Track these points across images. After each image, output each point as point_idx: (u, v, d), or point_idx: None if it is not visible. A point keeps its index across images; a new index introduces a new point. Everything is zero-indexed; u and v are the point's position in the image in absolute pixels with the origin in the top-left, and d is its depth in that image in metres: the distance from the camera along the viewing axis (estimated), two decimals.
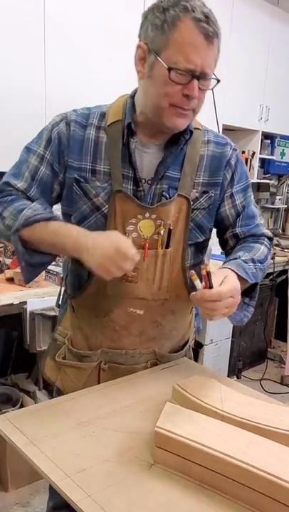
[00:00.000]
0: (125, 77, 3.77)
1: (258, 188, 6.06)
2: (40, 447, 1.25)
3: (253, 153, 5.43)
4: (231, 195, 1.75)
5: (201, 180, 1.69)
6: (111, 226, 1.61)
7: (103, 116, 1.66)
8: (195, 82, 1.45)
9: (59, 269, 3.36)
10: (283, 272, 5.10)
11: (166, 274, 1.68)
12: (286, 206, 6.65)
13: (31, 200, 1.64)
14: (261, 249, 1.73)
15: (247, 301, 1.71)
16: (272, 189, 6.29)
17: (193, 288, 1.45)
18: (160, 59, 1.45)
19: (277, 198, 6.44)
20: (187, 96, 1.47)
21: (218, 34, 1.45)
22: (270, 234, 1.83)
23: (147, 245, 1.62)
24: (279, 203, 6.48)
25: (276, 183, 6.43)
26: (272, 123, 5.49)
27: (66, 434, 1.32)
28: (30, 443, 1.27)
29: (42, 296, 3.06)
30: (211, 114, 3.15)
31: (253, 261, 1.66)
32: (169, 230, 1.63)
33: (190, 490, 1.14)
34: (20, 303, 2.93)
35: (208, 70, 1.46)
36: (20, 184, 1.65)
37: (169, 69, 1.43)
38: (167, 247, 1.65)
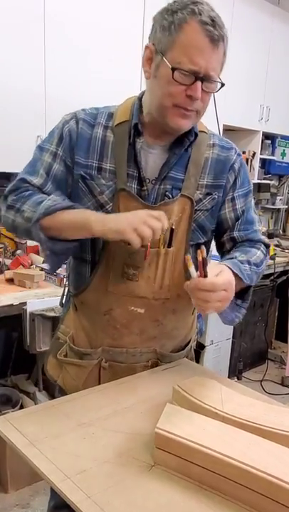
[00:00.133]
0: (125, 77, 3.82)
1: (259, 188, 6.06)
2: (40, 448, 1.24)
3: (254, 154, 5.43)
4: (232, 199, 1.76)
5: (205, 182, 1.70)
6: None
7: (111, 116, 1.69)
8: (198, 83, 1.47)
9: (59, 270, 3.36)
10: (284, 272, 5.11)
11: (168, 273, 1.68)
12: (287, 207, 6.66)
13: (48, 195, 1.64)
14: (257, 254, 1.74)
15: (239, 302, 1.70)
16: (272, 189, 6.30)
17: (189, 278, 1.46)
18: (165, 59, 1.47)
19: (278, 198, 6.44)
20: (190, 97, 1.49)
21: (224, 38, 1.48)
22: (267, 241, 1.84)
23: (149, 244, 1.61)
24: (279, 204, 6.48)
25: (277, 184, 6.43)
26: (273, 123, 5.49)
27: (66, 435, 1.32)
28: (30, 444, 1.26)
29: (42, 296, 3.06)
30: (212, 115, 3.16)
31: (249, 263, 1.67)
32: (172, 230, 1.64)
33: (190, 491, 1.14)
34: (20, 304, 2.93)
35: (213, 72, 1.48)
36: (36, 180, 1.67)
37: (173, 69, 1.45)
38: (169, 246, 1.66)
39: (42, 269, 3.45)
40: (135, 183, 1.65)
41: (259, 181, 5.81)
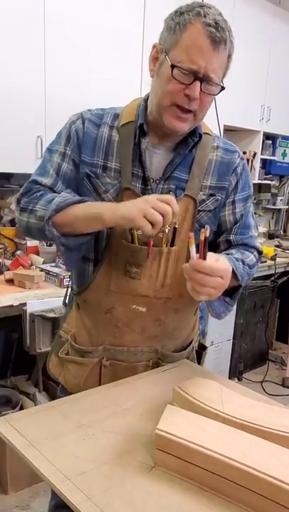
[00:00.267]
0: (125, 77, 3.82)
1: (259, 188, 6.06)
2: (40, 450, 1.24)
3: (254, 154, 5.43)
4: (233, 202, 1.78)
5: (208, 184, 1.71)
6: None
7: (117, 116, 1.71)
8: (197, 83, 1.49)
9: (59, 271, 3.36)
10: (284, 273, 5.10)
11: (170, 272, 1.69)
12: (287, 207, 6.66)
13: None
14: (251, 257, 1.77)
15: (228, 300, 1.71)
16: (273, 190, 6.30)
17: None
18: (168, 57, 1.50)
19: (279, 198, 6.44)
20: (188, 96, 1.50)
21: (227, 41, 1.49)
22: (260, 248, 1.86)
23: (152, 242, 1.63)
24: (280, 204, 6.48)
25: (277, 184, 6.43)
26: (274, 123, 5.49)
27: (66, 437, 1.31)
28: (30, 445, 1.26)
29: (42, 297, 3.07)
30: (212, 115, 3.15)
31: (244, 263, 1.70)
32: (174, 229, 1.65)
33: (190, 492, 1.13)
34: (20, 304, 2.93)
35: (212, 74, 1.49)
36: (47, 180, 1.69)
37: (172, 66, 1.48)
38: (172, 245, 1.67)
39: (42, 270, 3.45)
40: (140, 182, 1.66)
41: (260, 182, 5.81)
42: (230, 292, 1.67)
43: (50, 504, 1.99)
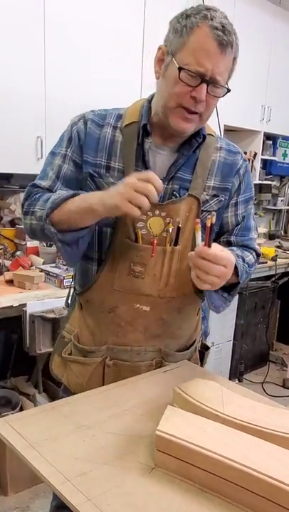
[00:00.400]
0: (125, 77, 3.82)
1: (260, 189, 6.06)
2: (40, 451, 1.24)
3: (255, 154, 5.43)
4: (235, 204, 1.80)
5: (212, 184, 1.73)
6: (121, 222, 1.66)
7: (120, 117, 1.72)
8: (204, 85, 1.50)
9: (59, 271, 3.35)
10: (285, 274, 5.09)
11: (174, 272, 1.70)
12: (288, 207, 6.65)
13: None
14: (250, 257, 1.80)
15: (226, 295, 1.73)
16: (274, 190, 6.30)
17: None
18: (174, 60, 1.51)
19: (279, 199, 6.44)
20: (195, 98, 1.52)
21: (233, 45, 1.51)
22: (259, 251, 1.89)
23: (156, 242, 1.65)
24: (281, 205, 6.48)
25: (278, 185, 6.43)
26: (275, 124, 5.49)
27: (66, 438, 1.31)
28: (30, 446, 1.25)
29: (42, 298, 3.06)
30: (213, 115, 3.16)
31: (243, 260, 1.73)
32: (178, 228, 1.67)
33: (191, 494, 1.13)
34: (19, 305, 2.93)
35: (219, 77, 1.51)
36: (45, 183, 1.71)
37: (180, 68, 1.49)
38: (176, 244, 1.68)
39: (42, 271, 3.45)
40: None
41: (260, 182, 5.81)
42: (228, 288, 1.69)
43: (52, 505, 1.99)
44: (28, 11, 3.23)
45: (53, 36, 3.39)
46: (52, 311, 2.96)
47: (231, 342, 4.68)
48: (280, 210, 6.63)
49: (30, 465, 1.20)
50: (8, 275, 3.34)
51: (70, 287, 1.96)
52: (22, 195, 3.79)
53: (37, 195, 1.68)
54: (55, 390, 3.50)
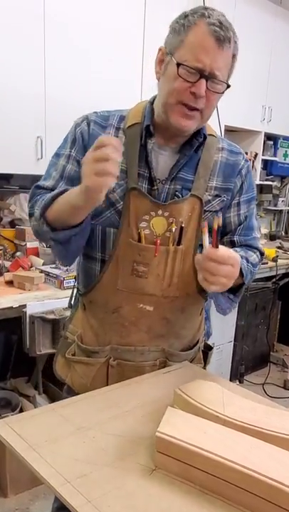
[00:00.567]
0: (125, 77, 3.82)
1: (261, 190, 6.06)
2: (40, 452, 1.23)
3: (256, 155, 5.43)
4: (238, 204, 1.81)
5: (214, 185, 1.74)
6: (124, 222, 1.67)
7: (122, 118, 1.73)
8: (203, 81, 1.51)
9: (59, 272, 3.35)
10: (286, 274, 5.08)
11: (177, 271, 1.71)
12: None
13: None
14: (253, 257, 1.81)
15: (231, 297, 1.75)
16: (274, 191, 6.30)
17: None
18: (173, 58, 1.53)
19: (280, 199, 6.44)
20: (194, 94, 1.53)
21: (231, 41, 1.53)
22: (262, 250, 1.90)
23: (159, 241, 1.66)
24: (282, 205, 6.48)
25: (279, 185, 6.43)
26: (275, 124, 5.49)
27: (66, 439, 1.30)
28: (30, 448, 1.25)
29: (42, 299, 3.06)
30: (213, 115, 3.16)
31: (248, 261, 1.75)
32: (181, 228, 1.68)
33: (191, 495, 1.13)
34: (19, 306, 2.92)
35: (218, 72, 1.52)
36: (49, 183, 1.73)
37: (178, 64, 1.51)
38: (179, 244, 1.70)
39: (42, 272, 3.44)
40: (146, 182, 1.68)
41: (261, 182, 5.81)
42: (233, 290, 1.69)
43: (53, 506, 2.00)
44: (28, 11, 3.24)
45: (53, 36, 3.39)
46: (52, 312, 2.96)
47: (232, 343, 4.68)
48: (280, 211, 6.63)
49: (30, 466, 1.19)
50: (8, 276, 3.34)
51: (74, 288, 1.97)
52: (22, 196, 3.82)
53: (38, 197, 1.69)
54: (55, 391, 3.51)
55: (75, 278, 1.94)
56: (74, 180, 1.69)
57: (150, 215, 1.66)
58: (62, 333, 1.97)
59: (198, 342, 1.93)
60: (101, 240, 1.72)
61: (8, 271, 3.47)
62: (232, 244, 1.82)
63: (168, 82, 1.56)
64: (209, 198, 1.72)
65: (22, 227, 3.78)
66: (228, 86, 1.57)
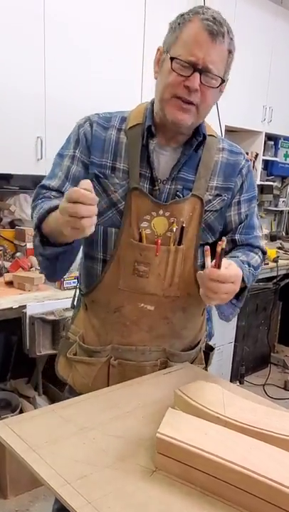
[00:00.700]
0: (125, 77, 3.82)
1: (262, 190, 6.05)
2: (40, 453, 1.23)
3: (256, 155, 5.43)
4: (238, 203, 1.82)
5: (214, 184, 1.75)
6: (126, 222, 1.68)
7: (124, 120, 1.75)
8: (196, 74, 1.53)
9: None
10: (287, 275, 5.08)
11: (178, 271, 1.73)
12: None
13: None
14: (255, 258, 1.82)
15: (234, 302, 1.76)
16: (275, 191, 6.29)
17: (203, 267, 1.51)
18: (168, 54, 1.56)
19: (281, 200, 6.43)
20: (188, 88, 1.54)
21: (225, 35, 1.54)
22: (265, 249, 1.91)
23: (160, 241, 1.68)
24: (282, 206, 6.48)
25: (280, 185, 6.42)
26: (276, 124, 5.49)
27: (66, 440, 1.30)
28: (30, 449, 1.25)
29: (42, 300, 3.06)
30: (214, 116, 3.15)
31: (249, 265, 1.75)
32: (182, 228, 1.69)
33: (192, 497, 1.13)
34: (19, 307, 2.92)
35: (211, 65, 1.53)
36: (54, 183, 1.73)
37: (172, 58, 1.53)
38: (180, 243, 1.71)
39: (42, 272, 3.43)
40: (147, 182, 1.70)
41: (262, 183, 5.80)
42: (236, 294, 1.68)
43: (54, 508, 1.99)
44: (28, 11, 3.23)
45: (53, 36, 3.38)
46: (52, 312, 2.96)
47: (232, 344, 4.68)
48: (281, 211, 6.63)
49: (30, 468, 1.19)
50: (7, 277, 3.34)
51: (75, 288, 1.98)
52: (22, 197, 3.81)
53: (40, 201, 1.69)
54: (55, 392, 3.50)
55: (76, 278, 1.94)
56: (79, 181, 1.67)
57: (151, 215, 1.67)
58: (63, 333, 1.98)
59: (199, 342, 1.93)
60: (102, 240, 1.73)
61: (8, 271, 3.47)
62: (233, 243, 1.84)
63: (162, 78, 1.59)
64: (210, 197, 1.73)
65: (22, 227, 3.77)
66: (223, 81, 1.59)
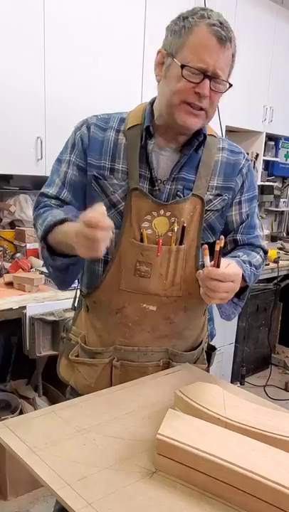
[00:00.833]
0: (125, 77, 3.82)
1: (262, 190, 6.03)
2: (40, 455, 1.23)
3: (257, 155, 5.43)
4: (239, 203, 1.83)
5: (215, 184, 1.76)
6: (127, 223, 1.69)
7: (122, 120, 1.76)
8: (206, 81, 1.54)
9: None
10: (288, 276, 5.08)
11: (179, 271, 1.73)
12: None
13: (65, 203, 1.74)
14: (257, 258, 1.82)
15: (236, 301, 1.79)
16: (276, 192, 6.29)
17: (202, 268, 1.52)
18: (175, 60, 1.56)
19: (282, 200, 6.43)
20: (198, 94, 1.56)
21: (232, 41, 1.56)
22: (266, 248, 1.93)
23: (161, 241, 1.68)
24: (283, 206, 6.48)
25: (280, 186, 6.42)
26: (277, 124, 5.49)
27: (66, 442, 1.30)
28: (30, 450, 1.24)
29: (42, 300, 3.05)
30: (214, 116, 3.16)
31: (250, 264, 1.75)
32: (183, 228, 1.70)
33: (192, 498, 1.12)
34: (19, 308, 2.92)
35: (220, 71, 1.55)
36: (52, 190, 1.76)
37: (182, 66, 1.53)
38: (181, 243, 1.71)
39: (42, 273, 3.43)
40: (147, 183, 1.70)
41: (262, 183, 5.80)
42: (237, 293, 1.69)
43: (55, 508, 1.99)
44: (28, 10, 3.23)
45: (53, 36, 3.38)
46: (52, 313, 2.95)
47: (233, 345, 4.68)
48: (282, 212, 6.63)
49: (30, 469, 1.19)
50: (7, 277, 3.33)
51: (77, 290, 1.97)
52: (22, 197, 3.81)
53: (41, 210, 1.72)
54: (55, 393, 3.50)
55: (77, 280, 1.94)
56: (76, 186, 1.74)
57: (152, 215, 1.67)
58: (63, 334, 1.98)
59: (201, 342, 1.93)
60: None
61: (7, 272, 3.46)
62: (235, 243, 1.85)
63: (170, 84, 1.58)
64: (210, 197, 1.73)
65: (22, 228, 3.77)
66: (230, 85, 1.60)
